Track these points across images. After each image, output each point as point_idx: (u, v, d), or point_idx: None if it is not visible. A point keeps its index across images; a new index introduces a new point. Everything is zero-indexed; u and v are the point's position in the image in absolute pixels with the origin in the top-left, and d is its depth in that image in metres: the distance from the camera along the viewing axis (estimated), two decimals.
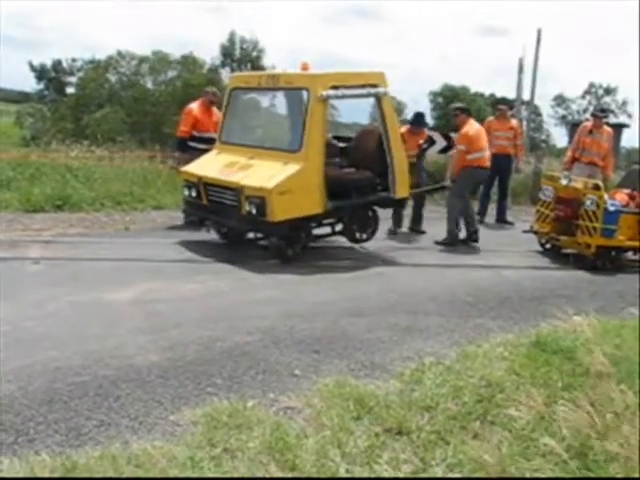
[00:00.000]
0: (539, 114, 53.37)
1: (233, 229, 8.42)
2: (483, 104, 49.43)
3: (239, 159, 8.27)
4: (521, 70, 16.22)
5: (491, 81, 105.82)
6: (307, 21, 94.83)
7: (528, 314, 6.47)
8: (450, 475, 3.37)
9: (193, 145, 9.75)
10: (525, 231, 9.91)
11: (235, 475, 3.25)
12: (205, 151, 9.12)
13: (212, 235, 8.83)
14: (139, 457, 3.36)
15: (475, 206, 10.97)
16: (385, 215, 9.29)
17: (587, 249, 8.88)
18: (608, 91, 60.81)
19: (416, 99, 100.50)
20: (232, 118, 9.11)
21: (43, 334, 5.01)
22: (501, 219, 12.07)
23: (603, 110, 12.47)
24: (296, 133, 8.07)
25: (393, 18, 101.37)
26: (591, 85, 60.98)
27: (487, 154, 9.81)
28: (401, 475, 3.36)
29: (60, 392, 4.06)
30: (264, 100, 9.13)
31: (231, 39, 41.96)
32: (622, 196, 9.51)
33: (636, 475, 3.21)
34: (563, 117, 61.25)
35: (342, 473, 3.31)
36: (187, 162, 9.14)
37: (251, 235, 8.66)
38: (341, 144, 9.15)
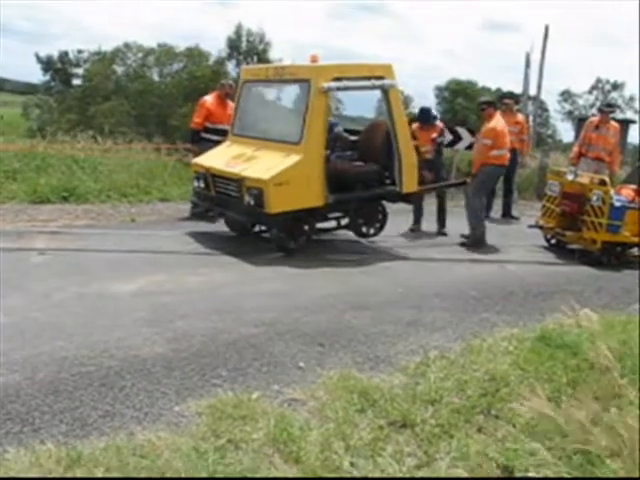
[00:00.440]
0: (546, 109, 53.19)
1: (235, 220, 8.41)
2: (491, 99, 49.18)
3: (246, 151, 8.31)
4: (528, 65, 16.18)
5: (498, 76, 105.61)
6: (313, 15, 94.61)
7: (533, 309, 6.47)
8: (454, 469, 3.37)
9: (206, 137, 9.75)
10: (531, 226, 9.89)
11: (239, 467, 3.26)
12: (218, 143, 9.15)
13: (218, 227, 8.84)
14: (144, 448, 3.37)
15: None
16: (396, 210, 9.23)
17: (593, 245, 8.86)
18: (615, 87, 60.51)
19: (422, 93, 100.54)
20: (243, 110, 9.15)
21: (49, 324, 5.03)
22: (507, 214, 12.06)
23: (610, 105, 12.41)
24: (298, 125, 7.99)
25: (399, 13, 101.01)
26: (598, 80, 60.68)
27: (507, 151, 9.55)
28: (405, 468, 3.37)
29: (66, 382, 4.08)
30: (272, 92, 9.12)
31: (238, 32, 41.83)
32: (628, 192, 9.48)
33: (636, 475, 3.21)
34: (570, 112, 60.94)
35: (346, 466, 3.32)
36: (199, 154, 9.18)
37: (258, 227, 8.65)
38: (352, 137, 9.10)
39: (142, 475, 3.13)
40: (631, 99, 59.17)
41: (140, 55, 36.28)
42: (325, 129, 7.99)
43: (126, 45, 36.19)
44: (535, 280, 7.73)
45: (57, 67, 39.58)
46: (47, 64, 39.71)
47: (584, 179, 9.28)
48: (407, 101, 43.67)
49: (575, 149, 11.02)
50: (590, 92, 60.22)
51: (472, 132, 12.92)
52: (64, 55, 39.63)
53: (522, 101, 16.39)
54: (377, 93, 8.65)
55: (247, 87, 9.13)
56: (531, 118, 16.77)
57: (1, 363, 4.26)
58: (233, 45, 41.35)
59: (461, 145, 13.21)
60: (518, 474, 3.35)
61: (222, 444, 3.45)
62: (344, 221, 8.71)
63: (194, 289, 6.28)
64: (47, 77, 40.02)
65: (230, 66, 40.65)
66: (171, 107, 31.53)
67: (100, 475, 3.11)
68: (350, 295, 6.41)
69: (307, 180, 7.72)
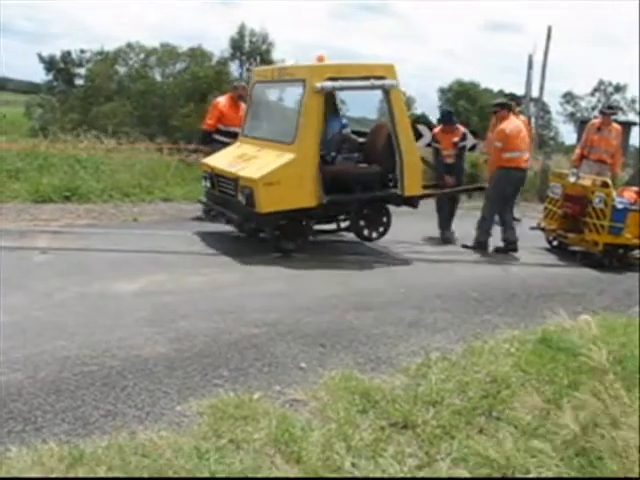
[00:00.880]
0: (548, 111, 53.22)
1: (232, 220, 8.40)
2: (491, 100, 49.25)
3: (250, 151, 8.37)
4: (530, 66, 16.17)
5: (500, 77, 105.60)
6: (316, 15, 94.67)
7: (534, 311, 6.46)
8: (455, 470, 3.37)
9: (218, 139, 9.77)
10: (532, 228, 9.89)
11: (240, 467, 3.26)
12: (228, 145, 9.20)
13: (220, 227, 8.84)
14: (145, 447, 3.37)
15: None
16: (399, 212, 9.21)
17: (594, 247, 8.87)
18: (618, 89, 60.53)
19: (424, 94, 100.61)
20: (251, 111, 9.23)
21: (51, 324, 5.03)
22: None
23: (611, 107, 12.41)
24: (293, 125, 7.99)
25: (401, 13, 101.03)
26: (600, 82, 60.70)
27: (526, 155, 9.18)
28: (406, 469, 3.37)
29: (67, 381, 4.09)
30: (275, 93, 9.15)
31: (240, 32, 41.86)
32: (630, 194, 9.48)
33: (636, 475, 3.21)
34: (572, 114, 60.97)
35: (347, 466, 3.32)
36: (210, 155, 9.22)
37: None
38: (361, 139, 8.99)
39: (144, 474, 3.14)
40: (633, 101, 59.20)
41: (142, 56, 36.31)
42: (320, 129, 7.92)
43: (128, 45, 36.24)
44: (537, 282, 7.74)
45: (60, 67, 39.59)
46: (50, 64, 39.71)
47: (586, 181, 9.28)
48: (409, 102, 43.69)
49: (577, 151, 11.02)
50: (592, 94, 60.29)
51: (475, 134, 12.90)
52: (67, 55, 39.63)
53: (524, 103, 16.39)
54: (380, 93, 8.58)
55: (256, 88, 9.22)
56: (533, 120, 16.76)
57: (3, 362, 4.27)
58: (236, 45, 41.36)
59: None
60: (518, 475, 3.35)
61: (223, 444, 3.46)
62: (345, 223, 8.69)
63: (196, 289, 6.29)
64: (50, 77, 40.02)
65: (233, 66, 40.71)
66: (173, 107, 31.57)
67: (102, 474, 3.11)
68: (352, 296, 6.42)
69: (300, 180, 7.68)
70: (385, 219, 8.58)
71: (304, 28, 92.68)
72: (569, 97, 62.41)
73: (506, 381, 4.44)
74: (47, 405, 3.78)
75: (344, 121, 9.08)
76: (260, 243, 8.29)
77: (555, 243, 9.93)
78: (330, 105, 9.36)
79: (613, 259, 8.90)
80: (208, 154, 9.38)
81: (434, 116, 52.49)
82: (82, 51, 39.40)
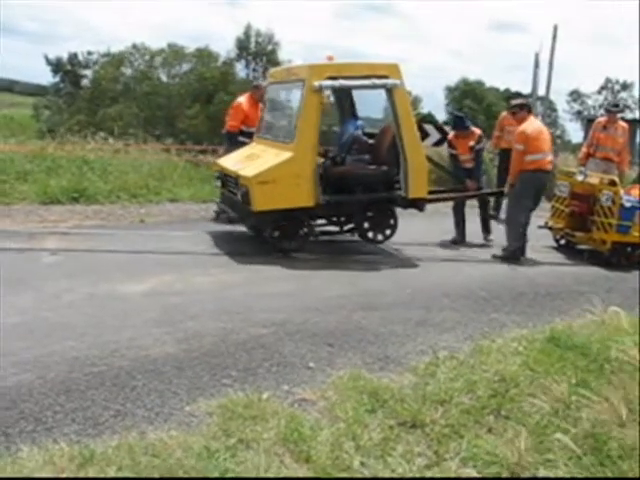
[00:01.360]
0: (554, 109, 53.15)
1: (233, 219, 8.38)
2: (497, 99, 49.27)
3: (257, 151, 8.43)
4: (537, 65, 16.17)
5: (505, 76, 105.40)
6: (321, 15, 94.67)
7: (542, 309, 6.47)
8: (464, 469, 3.38)
9: (242, 140, 9.81)
10: (540, 227, 9.84)
11: (250, 466, 3.28)
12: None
13: (227, 228, 8.86)
14: (155, 447, 3.39)
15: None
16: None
17: (602, 245, 8.85)
18: (625, 87, 60.38)
19: (431, 93, 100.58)
20: (265, 112, 9.32)
21: (60, 324, 5.06)
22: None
23: (616, 105, 12.34)
24: (293, 125, 8.00)
25: (406, 13, 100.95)
26: (607, 80, 60.60)
27: (549, 157, 8.81)
28: (415, 468, 3.38)
29: (77, 382, 4.10)
30: (283, 94, 9.17)
31: (246, 32, 41.89)
32: (638, 192, 9.46)
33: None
34: (579, 112, 60.91)
35: (356, 465, 3.33)
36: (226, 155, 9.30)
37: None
38: (371, 141, 8.94)
39: (154, 474, 3.15)
40: None
41: (147, 57, 36.41)
42: (318, 128, 7.87)
43: (134, 46, 36.33)
44: (545, 281, 7.73)
45: (67, 69, 39.68)
46: (56, 66, 39.80)
47: (594, 179, 9.26)
48: (416, 101, 43.61)
49: (583, 149, 10.99)
50: (599, 92, 60.21)
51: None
52: (73, 57, 39.72)
53: (531, 101, 16.36)
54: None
55: (270, 89, 9.33)
56: (540, 118, 16.74)
57: (13, 362, 4.29)
58: (242, 46, 41.38)
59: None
60: (527, 474, 3.35)
61: (233, 443, 3.47)
62: (350, 225, 8.66)
63: (204, 289, 6.30)
64: (57, 79, 40.11)
65: (239, 67, 40.74)
66: (179, 108, 31.65)
67: (113, 474, 3.13)
68: (359, 296, 6.42)
69: (297, 179, 7.65)
70: (391, 221, 8.45)
71: (310, 28, 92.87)
72: (576, 95, 62.35)
73: (515, 380, 4.44)
74: (57, 405, 3.80)
75: (359, 122, 9.06)
76: (266, 243, 8.30)
77: (562, 242, 9.91)
78: (347, 107, 9.39)
79: (621, 257, 8.88)
80: (225, 155, 9.43)
81: (440, 115, 52.55)
82: (89, 53, 39.52)
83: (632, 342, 5.09)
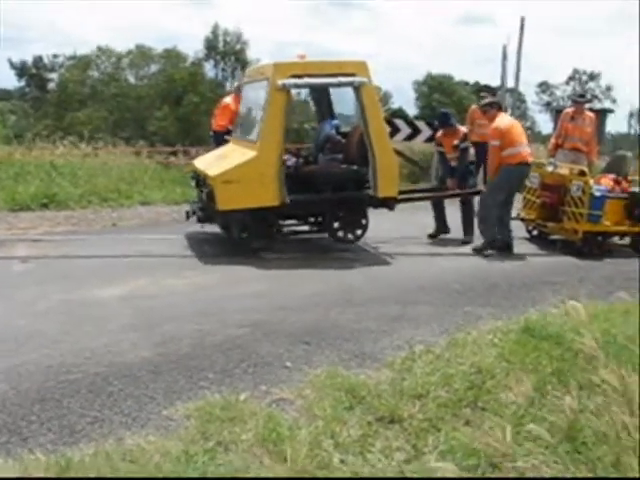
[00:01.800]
0: (523, 101, 53.57)
1: (203, 219, 8.33)
2: (467, 93, 49.60)
3: (228, 151, 8.43)
4: (505, 58, 16.29)
5: (475, 69, 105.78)
6: (290, 12, 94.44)
7: (517, 301, 6.51)
8: (442, 462, 3.39)
9: (228, 139, 9.80)
10: (512, 218, 9.92)
11: (229, 469, 3.27)
12: None
13: (200, 229, 8.81)
14: (133, 453, 3.37)
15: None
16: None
17: (574, 235, 8.93)
18: (592, 77, 60.97)
19: (400, 87, 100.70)
20: (240, 112, 9.36)
21: (34, 333, 5.01)
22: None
23: (583, 95, 12.48)
24: (258, 123, 7.97)
25: (375, 8, 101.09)
26: (575, 71, 61.12)
27: (526, 150, 8.83)
28: (394, 463, 3.39)
29: (52, 390, 4.07)
30: (254, 93, 9.15)
31: (214, 32, 41.77)
32: (607, 181, 9.55)
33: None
34: (548, 104, 61.35)
35: (336, 463, 3.33)
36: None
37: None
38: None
39: None
40: (608, 89, 59.70)
41: (114, 59, 36.18)
42: (283, 127, 7.82)
43: (99, 49, 36.07)
44: (518, 272, 7.79)
45: (32, 72, 39.30)
46: (21, 69, 39.41)
47: (563, 170, 9.34)
48: (386, 97, 43.76)
49: (552, 140, 11.06)
50: (567, 83, 60.69)
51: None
52: (38, 60, 39.38)
53: (499, 94, 16.48)
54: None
55: (244, 89, 9.38)
56: (509, 110, 16.86)
57: None
58: (210, 45, 41.27)
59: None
60: (505, 466, 3.37)
61: (211, 446, 3.46)
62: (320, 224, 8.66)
63: (179, 292, 6.28)
64: (22, 83, 39.75)
65: (208, 67, 40.63)
66: (148, 110, 31.47)
67: None
68: (334, 293, 6.43)
69: (261, 178, 7.61)
70: (363, 221, 8.40)
71: (279, 26, 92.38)
72: (544, 87, 62.82)
73: (490, 372, 4.46)
74: (32, 415, 3.76)
75: (335, 122, 9.02)
76: (238, 244, 8.28)
77: (535, 233, 9.99)
78: (324, 106, 9.37)
79: (592, 247, 8.96)
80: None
81: (411, 110, 52.72)
82: (55, 56, 39.22)
83: (590, 334, 5.14)
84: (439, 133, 9.86)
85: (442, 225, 9.63)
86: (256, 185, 7.58)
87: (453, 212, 9.49)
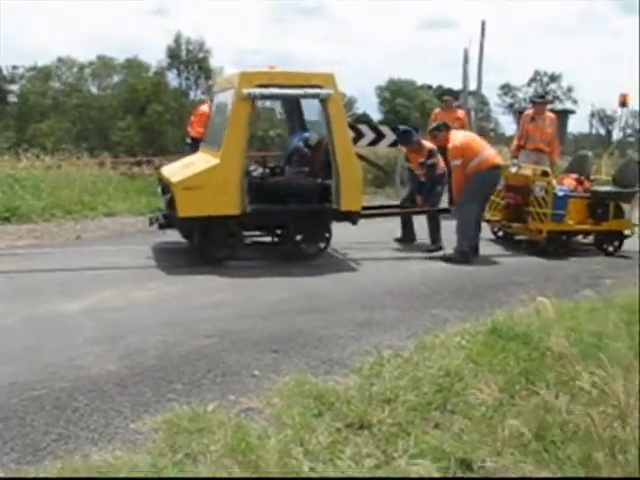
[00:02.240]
0: (486, 103, 54.10)
1: (164, 225, 8.21)
2: (429, 97, 50.06)
3: (196, 159, 8.45)
4: (466, 61, 16.46)
5: (439, 73, 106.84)
6: (251, 20, 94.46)
7: (484, 302, 6.55)
8: (413, 465, 3.38)
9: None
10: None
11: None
12: None
13: (166, 239, 8.75)
14: (100, 468, 3.31)
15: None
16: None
17: (538, 235, 9.02)
18: (553, 78, 61.80)
19: (364, 92, 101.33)
20: (210, 121, 9.34)
21: None
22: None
23: (542, 96, 12.63)
24: (223, 132, 7.94)
25: (337, 15, 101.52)
26: (536, 73, 61.91)
27: (490, 153, 8.81)
28: (364, 469, 3.37)
29: (15, 408, 3.98)
30: (221, 102, 9.12)
31: (177, 40, 41.59)
32: (570, 181, 9.68)
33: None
34: (511, 105, 62.06)
35: (305, 471, 3.31)
36: None
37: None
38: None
39: None
40: (569, 90, 60.55)
41: (75, 69, 35.90)
42: (247, 136, 7.77)
43: (60, 59, 35.77)
44: (484, 273, 7.85)
45: None
46: None
47: (527, 171, 9.44)
48: (350, 102, 43.93)
49: (515, 142, 11.18)
50: (529, 84, 61.44)
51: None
52: None
53: (462, 97, 16.62)
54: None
55: (215, 98, 9.36)
56: (473, 113, 17.01)
57: None
58: (173, 54, 41.09)
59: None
60: (475, 466, 3.37)
61: (180, 458, 3.41)
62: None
63: (144, 304, 6.21)
64: None
65: (171, 76, 40.46)
66: (111, 120, 31.27)
67: None
68: (301, 299, 6.42)
69: (223, 187, 7.55)
70: (326, 234, 8.24)
71: (242, 34, 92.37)
72: (507, 89, 63.59)
73: (459, 374, 4.47)
74: None
75: (306, 134, 8.94)
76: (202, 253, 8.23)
77: (500, 234, 10.09)
78: (296, 118, 9.34)
79: (557, 246, 9.06)
80: None
81: (375, 115, 52.99)
82: (14, 67, 38.77)
83: (570, 328, 5.21)
84: (407, 149, 9.79)
85: (409, 232, 9.64)
86: (217, 193, 7.52)
87: (420, 219, 9.49)
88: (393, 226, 9.69)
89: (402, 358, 4.82)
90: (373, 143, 13.10)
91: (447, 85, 48.85)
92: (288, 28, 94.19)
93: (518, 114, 15.53)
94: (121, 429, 3.79)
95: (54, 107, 33.87)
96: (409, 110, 48.86)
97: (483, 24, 16.67)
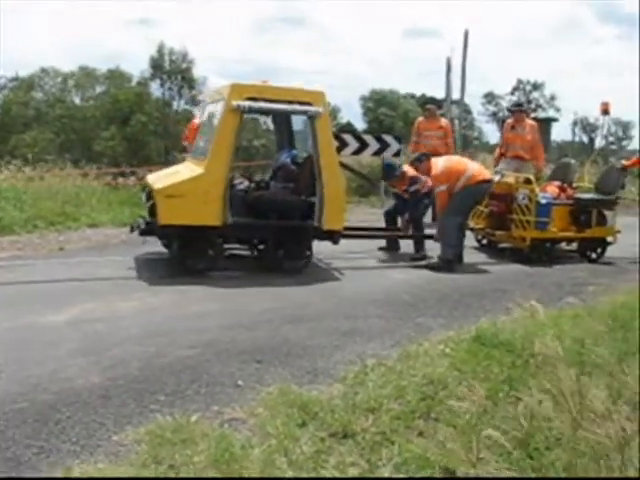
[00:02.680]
0: (470, 112, 54.34)
1: (145, 231, 8.11)
2: (412, 106, 50.32)
3: (182, 168, 8.46)
4: (449, 70, 16.54)
5: (422, 82, 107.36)
6: (236, 31, 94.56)
7: (468, 310, 6.57)
8: (397, 475, 3.38)
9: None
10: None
11: None
12: None
13: (148, 249, 8.70)
14: None
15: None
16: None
17: (522, 242, 9.07)
18: (536, 87, 62.13)
19: (348, 102, 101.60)
20: (199, 132, 9.27)
21: None
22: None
23: (519, 104, 12.68)
24: (209, 142, 7.93)
25: (322, 25, 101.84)
26: (519, 81, 62.21)
27: (474, 169, 8.85)
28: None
29: None
30: (210, 113, 9.11)
31: (160, 51, 41.53)
32: (553, 189, 9.75)
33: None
34: (494, 114, 62.35)
35: None
36: None
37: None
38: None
39: None
40: (552, 98, 60.92)
41: (59, 80, 35.80)
42: (233, 147, 7.75)
43: (43, 70, 35.68)
44: (468, 281, 7.87)
45: None
46: None
47: (510, 179, 9.50)
48: (334, 112, 44.02)
49: (497, 150, 11.26)
50: (512, 93, 61.63)
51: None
52: None
53: (445, 106, 16.70)
54: None
55: (205, 109, 9.28)
56: (456, 122, 17.09)
57: None
58: (156, 65, 41.03)
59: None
60: (460, 474, 3.37)
61: (163, 470, 3.39)
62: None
63: (127, 315, 6.17)
64: None
65: (154, 86, 40.40)
66: (95, 131, 31.19)
67: None
68: (285, 309, 6.41)
69: (205, 197, 7.53)
70: (306, 252, 8.17)
71: (226, 44, 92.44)
72: (490, 97, 63.80)
73: (443, 382, 4.48)
74: None
75: (293, 152, 8.95)
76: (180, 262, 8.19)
77: (484, 242, 10.14)
78: (285, 134, 9.33)
79: (541, 253, 9.11)
80: None
81: (359, 124, 53.14)
82: None
83: (553, 335, 5.22)
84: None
85: (393, 241, 9.65)
86: (199, 203, 7.50)
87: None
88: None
89: (386, 367, 4.82)
90: (357, 152, 13.19)
91: (430, 94, 49.12)
92: (273, 38, 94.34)
93: (502, 122, 15.65)
94: (104, 441, 3.76)
95: (37, 118, 33.75)
96: (392, 119, 49.07)
97: (466, 33, 16.77)
